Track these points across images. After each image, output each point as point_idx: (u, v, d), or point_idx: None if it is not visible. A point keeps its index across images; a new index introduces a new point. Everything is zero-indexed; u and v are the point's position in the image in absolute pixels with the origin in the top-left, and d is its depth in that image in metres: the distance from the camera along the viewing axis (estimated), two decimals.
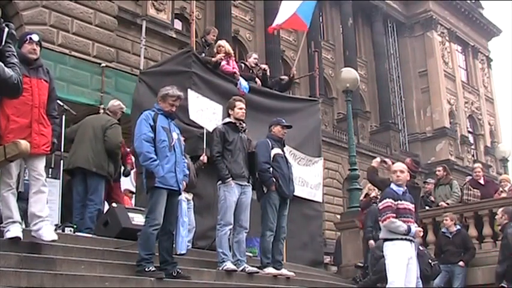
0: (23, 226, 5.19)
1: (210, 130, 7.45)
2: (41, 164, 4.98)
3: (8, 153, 4.25)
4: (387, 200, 6.12)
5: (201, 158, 7.35)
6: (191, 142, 7.33)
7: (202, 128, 7.70)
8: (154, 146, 5.40)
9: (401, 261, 5.97)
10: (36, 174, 4.91)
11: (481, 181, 10.60)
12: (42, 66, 5.13)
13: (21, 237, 4.73)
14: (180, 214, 6.07)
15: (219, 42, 8.87)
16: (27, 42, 5.03)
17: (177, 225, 6.03)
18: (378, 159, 8.09)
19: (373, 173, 7.88)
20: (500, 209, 8.92)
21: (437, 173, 10.88)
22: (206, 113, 7.92)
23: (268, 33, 25.19)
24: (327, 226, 19.97)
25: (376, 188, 10.52)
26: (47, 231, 4.84)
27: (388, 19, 34.32)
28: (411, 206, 6.20)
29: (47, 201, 5.07)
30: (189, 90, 7.47)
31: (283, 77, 10.79)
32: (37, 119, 4.91)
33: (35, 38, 5.07)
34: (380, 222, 6.22)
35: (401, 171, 6.28)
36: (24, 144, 4.31)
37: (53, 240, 4.86)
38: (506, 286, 8.38)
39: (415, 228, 6.06)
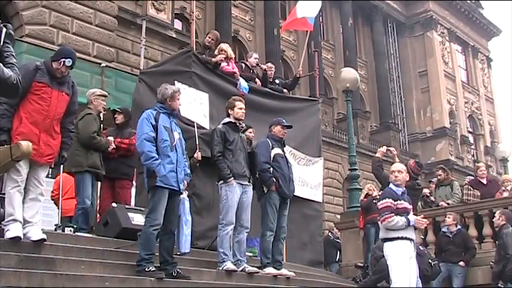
0: None
1: (204, 126, 7.36)
2: (43, 174, 5.05)
3: (13, 153, 4.38)
4: (387, 200, 6.11)
5: (195, 155, 7.20)
6: (191, 143, 7.30)
7: (201, 128, 7.66)
8: (156, 146, 5.40)
9: (403, 261, 5.96)
10: (37, 182, 4.97)
11: (484, 180, 10.54)
12: (68, 80, 5.17)
13: (22, 237, 4.74)
14: (183, 213, 6.06)
15: (221, 45, 8.82)
16: (61, 64, 5.03)
17: (180, 224, 6.00)
18: (383, 148, 8.07)
19: (379, 167, 7.84)
20: (498, 211, 8.94)
21: (438, 177, 10.82)
22: (194, 104, 7.69)
23: (268, 33, 25.28)
24: (327, 226, 19.93)
25: (375, 189, 10.53)
26: (34, 232, 4.86)
27: (388, 19, 34.28)
28: (410, 207, 6.21)
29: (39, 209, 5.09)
30: (176, 82, 7.11)
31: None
32: (47, 130, 4.97)
33: (68, 63, 5.05)
34: (379, 223, 6.22)
35: (400, 172, 6.28)
36: (26, 145, 4.42)
37: (41, 239, 4.86)
38: (502, 286, 8.39)
39: (413, 217, 6.05)
